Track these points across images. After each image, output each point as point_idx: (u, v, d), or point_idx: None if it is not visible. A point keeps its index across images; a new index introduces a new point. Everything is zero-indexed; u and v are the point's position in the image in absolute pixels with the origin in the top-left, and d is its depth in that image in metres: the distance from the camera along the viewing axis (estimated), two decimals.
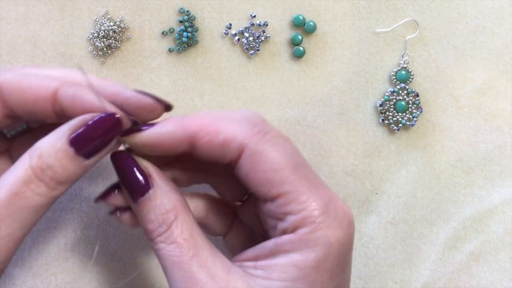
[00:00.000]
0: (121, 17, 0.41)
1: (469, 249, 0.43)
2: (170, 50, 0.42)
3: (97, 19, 0.41)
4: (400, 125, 0.42)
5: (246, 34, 0.42)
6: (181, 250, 0.29)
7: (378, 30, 0.42)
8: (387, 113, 0.42)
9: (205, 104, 0.42)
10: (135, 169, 0.30)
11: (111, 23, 0.41)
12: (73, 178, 0.29)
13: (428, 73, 0.42)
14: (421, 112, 0.42)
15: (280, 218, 0.29)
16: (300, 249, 0.28)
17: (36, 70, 0.32)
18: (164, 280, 0.42)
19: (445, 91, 0.42)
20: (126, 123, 0.30)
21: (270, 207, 0.29)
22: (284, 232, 0.29)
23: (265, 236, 0.31)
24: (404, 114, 0.42)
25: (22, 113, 0.31)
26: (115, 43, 0.41)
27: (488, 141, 0.42)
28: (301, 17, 0.42)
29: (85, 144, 0.29)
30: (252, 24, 0.42)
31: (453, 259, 0.42)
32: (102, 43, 0.41)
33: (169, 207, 0.29)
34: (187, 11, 0.41)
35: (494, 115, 0.42)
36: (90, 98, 0.30)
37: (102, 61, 0.42)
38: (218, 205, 0.36)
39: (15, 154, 0.35)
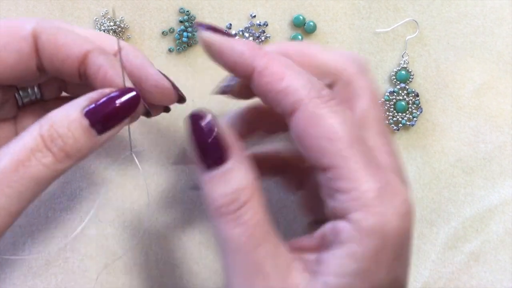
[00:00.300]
0: (121, 17, 0.41)
1: (469, 249, 0.43)
2: (170, 50, 0.42)
3: (97, 19, 0.41)
4: (400, 125, 0.42)
5: (246, 34, 0.42)
6: (250, 234, 0.26)
7: (378, 30, 0.42)
8: (387, 113, 0.42)
9: (205, 104, 0.42)
10: (217, 133, 0.27)
11: (111, 23, 0.41)
12: (82, 153, 0.28)
13: (428, 73, 0.42)
14: (421, 112, 0.42)
15: (329, 194, 0.26)
16: (355, 239, 0.25)
17: (71, 27, 0.31)
18: (163, 280, 0.42)
19: (445, 91, 0.42)
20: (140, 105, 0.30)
21: (321, 179, 0.26)
22: (335, 213, 0.26)
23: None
24: (404, 114, 0.42)
25: (49, 67, 0.30)
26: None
27: (488, 141, 0.42)
28: (301, 17, 0.42)
29: (100, 117, 0.28)
30: (252, 24, 0.42)
31: (453, 259, 0.42)
32: None
33: (245, 185, 0.26)
34: (187, 11, 0.41)
35: (494, 115, 0.42)
36: (114, 73, 0.29)
37: None
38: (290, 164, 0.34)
39: (21, 124, 0.34)
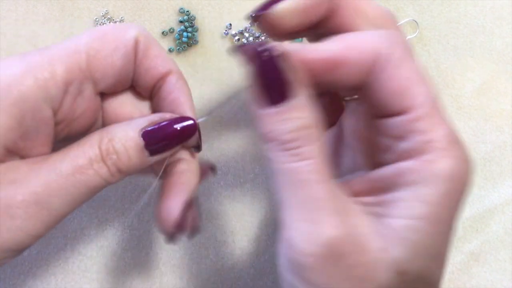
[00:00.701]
0: (121, 17, 0.41)
1: (469, 249, 0.43)
2: (170, 50, 0.42)
3: (97, 19, 0.41)
4: None
5: (246, 34, 0.42)
6: (317, 168, 0.24)
7: None
8: None
9: (205, 104, 0.42)
10: (286, 66, 0.25)
11: (111, 23, 0.41)
12: (132, 170, 0.29)
13: (428, 73, 0.42)
14: None
15: (402, 136, 0.25)
16: (426, 180, 0.24)
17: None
18: (164, 279, 0.42)
19: (445, 91, 0.42)
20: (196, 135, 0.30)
21: (394, 122, 0.26)
22: (403, 155, 0.25)
23: (369, 161, 0.28)
24: None
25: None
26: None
27: (488, 141, 0.42)
28: None
29: (155, 140, 0.29)
30: (252, 24, 0.42)
31: (453, 259, 0.42)
32: None
33: (311, 122, 0.25)
34: (187, 11, 0.41)
35: (494, 115, 0.42)
36: (183, 99, 0.31)
37: None
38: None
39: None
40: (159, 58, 0.30)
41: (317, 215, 0.24)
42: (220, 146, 0.42)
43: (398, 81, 0.25)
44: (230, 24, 0.42)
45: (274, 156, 0.25)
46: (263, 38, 0.42)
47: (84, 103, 0.30)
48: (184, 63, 0.42)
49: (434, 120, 0.25)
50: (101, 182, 0.28)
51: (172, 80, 0.31)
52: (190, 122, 0.30)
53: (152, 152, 0.29)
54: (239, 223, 0.42)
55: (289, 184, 0.25)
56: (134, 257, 0.42)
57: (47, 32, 0.41)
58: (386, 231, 0.24)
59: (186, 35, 0.41)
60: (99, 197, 0.42)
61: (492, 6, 0.42)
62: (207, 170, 0.33)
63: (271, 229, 0.42)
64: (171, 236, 0.30)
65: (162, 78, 0.31)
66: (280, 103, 0.25)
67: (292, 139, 0.25)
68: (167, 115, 0.30)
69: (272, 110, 0.25)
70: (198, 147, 0.32)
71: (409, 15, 0.42)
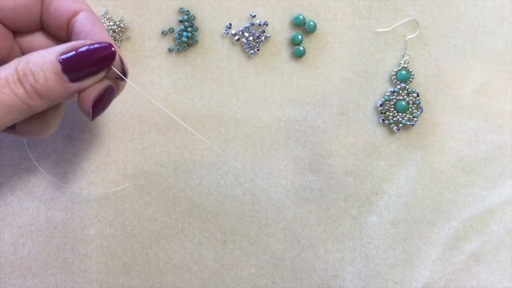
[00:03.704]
0: (121, 17, 0.41)
1: (469, 249, 0.42)
2: (170, 50, 0.42)
3: None
4: (401, 125, 0.42)
5: (246, 34, 0.42)
6: None
7: (379, 30, 0.42)
8: (388, 113, 0.42)
9: (205, 103, 0.42)
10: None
11: (111, 23, 0.41)
12: (52, 94, 0.30)
13: (428, 73, 0.42)
14: (421, 112, 0.42)
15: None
16: None
17: None
18: (162, 280, 0.42)
19: (445, 91, 0.42)
20: (117, 60, 0.32)
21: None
22: None
23: None
24: (405, 114, 0.42)
25: (45, 16, 0.33)
26: (115, 43, 0.41)
27: (489, 141, 0.42)
28: (301, 17, 0.42)
29: (74, 65, 0.30)
30: (252, 24, 0.42)
31: (453, 259, 0.42)
32: None
33: None
34: (187, 11, 0.41)
35: (495, 115, 0.42)
36: (98, 29, 0.32)
37: None
38: None
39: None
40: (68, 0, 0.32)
41: None
42: (220, 146, 0.42)
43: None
44: (230, 24, 0.42)
45: None
46: (263, 38, 0.42)
47: None
48: (184, 62, 0.42)
49: None
50: (19, 103, 0.29)
51: (83, 16, 0.32)
52: (110, 49, 0.31)
53: (72, 78, 0.30)
54: (239, 223, 0.42)
55: None
56: (134, 257, 0.42)
57: None
58: None
59: (186, 34, 0.41)
60: (99, 197, 0.42)
61: (492, 6, 0.42)
62: (119, 69, 0.34)
63: (271, 229, 0.42)
64: (89, 112, 0.32)
65: (73, 17, 0.32)
66: None
67: None
68: (88, 42, 0.31)
69: None
70: (122, 76, 0.33)
71: (409, 15, 0.42)
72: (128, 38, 0.41)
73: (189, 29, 0.41)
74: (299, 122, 0.42)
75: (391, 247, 0.42)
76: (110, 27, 0.41)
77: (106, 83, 0.32)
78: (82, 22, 0.32)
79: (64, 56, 0.30)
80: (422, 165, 0.42)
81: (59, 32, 0.33)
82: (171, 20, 0.42)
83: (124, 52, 0.42)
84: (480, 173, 0.42)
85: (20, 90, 0.29)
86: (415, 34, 0.42)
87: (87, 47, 0.30)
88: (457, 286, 0.42)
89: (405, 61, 0.42)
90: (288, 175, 0.42)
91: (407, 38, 0.42)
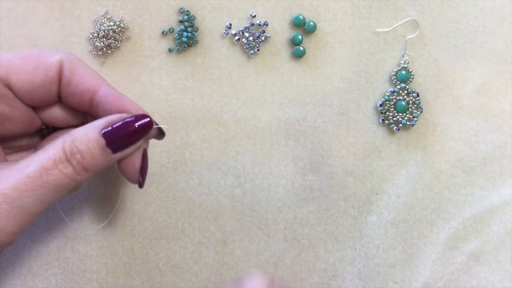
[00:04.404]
0: (121, 17, 0.41)
1: (469, 249, 0.42)
2: (170, 50, 0.42)
3: (97, 19, 0.41)
4: (400, 125, 0.42)
5: (246, 34, 0.42)
6: None
7: (379, 30, 0.42)
8: (387, 113, 0.42)
9: (205, 103, 0.42)
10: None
11: (111, 23, 0.41)
12: (98, 167, 0.32)
13: (428, 73, 0.42)
14: (421, 112, 0.42)
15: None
16: None
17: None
18: (163, 280, 0.42)
19: (445, 91, 0.42)
20: (155, 131, 0.34)
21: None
22: None
23: None
24: (404, 114, 0.42)
25: (66, 93, 0.34)
26: (115, 43, 0.41)
27: (489, 141, 0.42)
28: (301, 17, 0.42)
29: (116, 138, 0.32)
30: (252, 24, 0.42)
31: (453, 259, 0.42)
32: (102, 43, 0.41)
33: None
34: (187, 11, 0.41)
35: (495, 115, 0.42)
36: (126, 102, 0.34)
37: (102, 61, 0.42)
38: None
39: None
40: (86, 75, 0.34)
41: None
42: (220, 146, 0.42)
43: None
44: (230, 24, 0.42)
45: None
46: (263, 38, 0.42)
47: (6, 108, 0.33)
48: (184, 63, 0.42)
49: None
50: (67, 181, 0.31)
51: (105, 91, 0.34)
52: (147, 119, 0.33)
53: (114, 150, 0.32)
54: (239, 223, 0.42)
55: None
56: (134, 257, 0.42)
57: (47, 32, 0.41)
58: None
59: (186, 35, 0.41)
60: (99, 197, 0.42)
61: (492, 6, 0.42)
62: (156, 133, 0.36)
63: (271, 229, 0.42)
64: (139, 181, 0.35)
65: (94, 93, 0.34)
66: None
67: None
68: (124, 115, 0.33)
69: None
70: (160, 136, 0.36)
71: (409, 15, 0.42)
72: (128, 38, 0.41)
73: (189, 29, 0.41)
74: (299, 122, 0.42)
75: (391, 247, 0.42)
76: (110, 27, 0.41)
77: (142, 149, 0.34)
78: (107, 97, 0.34)
79: (106, 131, 0.32)
80: (422, 165, 0.42)
81: (79, 107, 0.35)
82: (171, 20, 0.42)
83: (124, 52, 0.42)
84: (480, 173, 0.42)
85: (68, 169, 0.31)
86: (415, 34, 0.42)
87: (127, 119, 0.32)
88: (457, 286, 0.42)
89: (405, 61, 0.42)
90: (288, 175, 0.42)
91: (407, 38, 0.42)
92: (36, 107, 0.35)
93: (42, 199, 0.30)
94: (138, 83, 0.42)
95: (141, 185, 0.35)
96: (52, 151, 0.31)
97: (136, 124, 0.33)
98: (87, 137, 0.31)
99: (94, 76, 0.34)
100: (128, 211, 0.42)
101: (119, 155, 0.33)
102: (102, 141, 0.31)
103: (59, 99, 0.35)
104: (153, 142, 0.42)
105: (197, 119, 0.42)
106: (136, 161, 0.34)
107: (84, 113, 0.36)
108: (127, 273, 0.42)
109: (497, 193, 0.42)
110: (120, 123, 0.32)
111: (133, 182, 0.35)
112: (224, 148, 0.42)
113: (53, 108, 0.36)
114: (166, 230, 0.42)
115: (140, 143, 0.33)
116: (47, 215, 0.41)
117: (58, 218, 0.42)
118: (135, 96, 0.41)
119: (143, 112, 0.34)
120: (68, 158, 0.31)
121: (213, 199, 0.42)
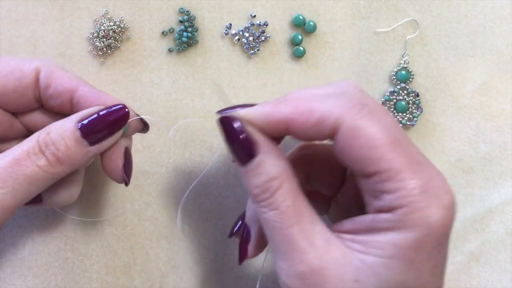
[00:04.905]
0: (121, 17, 0.41)
1: (469, 249, 0.42)
2: (170, 50, 0.42)
3: (97, 19, 0.41)
4: (401, 125, 0.42)
5: (246, 34, 0.42)
6: (282, 216, 0.29)
7: (378, 30, 0.42)
8: None
9: (205, 104, 0.42)
10: (243, 134, 0.30)
11: (111, 23, 0.41)
12: (73, 160, 0.32)
13: (428, 73, 0.42)
14: (421, 112, 0.42)
15: (376, 196, 0.28)
16: (399, 229, 0.27)
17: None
18: (163, 280, 0.42)
19: (445, 91, 0.42)
20: (133, 117, 0.34)
21: (367, 183, 0.28)
22: (380, 210, 0.28)
23: (363, 211, 0.30)
24: (405, 114, 0.42)
25: (46, 97, 0.34)
26: (115, 43, 0.41)
27: (489, 141, 0.42)
28: (301, 17, 0.42)
29: (92, 130, 0.32)
30: (252, 24, 0.42)
31: (453, 259, 0.42)
32: (102, 43, 0.41)
33: (274, 174, 0.29)
34: (187, 11, 0.41)
35: (495, 115, 0.42)
36: (105, 97, 0.34)
37: (102, 61, 0.42)
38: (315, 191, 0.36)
39: None
40: (64, 77, 0.34)
41: (291, 254, 0.28)
42: (220, 146, 0.42)
43: (359, 150, 0.27)
44: (230, 24, 0.42)
45: (254, 207, 0.30)
46: (263, 38, 0.42)
47: None
48: (184, 63, 0.42)
49: (403, 175, 0.27)
50: (42, 174, 0.31)
51: (84, 89, 0.34)
52: (123, 110, 0.33)
53: (91, 142, 0.32)
54: None
55: (268, 230, 0.29)
56: (134, 257, 0.42)
57: (47, 32, 0.41)
58: (361, 265, 0.27)
59: (186, 35, 0.41)
60: (99, 198, 0.42)
61: (492, 6, 0.42)
62: (139, 125, 0.36)
63: None
64: (124, 179, 0.35)
65: (74, 93, 0.34)
66: (248, 162, 0.29)
67: (260, 193, 0.29)
68: (101, 107, 0.33)
69: (243, 169, 0.30)
70: (144, 129, 0.36)
71: (409, 15, 0.42)
72: (128, 38, 0.41)
73: (189, 29, 0.41)
74: None
75: None
76: (110, 27, 0.41)
77: (123, 146, 0.34)
78: (85, 94, 0.34)
79: (82, 123, 0.32)
80: None
81: (61, 109, 0.35)
82: (171, 20, 0.42)
83: (124, 53, 0.42)
84: (480, 173, 0.42)
85: (41, 161, 0.31)
86: (415, 34, 0.42)
87: (103, 111, 0.32)
88: (457, 286, 0.42)
89: (405, 61, 0.42)
90: None
91: (407, 38, 0.42)
92: (16, 112, 0.35)
93: (15, 191, 0.30)
94: (138, 83, 0.42)
95: (126, 183, 0.35)
96: (26, 143, 0.31)
97: (112, 116, 0.32)
98: (62, 128, 0.31)
99: (72, 78, 0.34)
100: (128, 211, 0.42)
101: (96, 147, 0.32)
102: (78, 133, 0.31)
103: (41, 105, 0.35)
104: (153, 142, 0.42)
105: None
106: (118, 159, 0.34)
107: (66, 116, 0.36)
108: (127, 273, 0.42)
109: (497, 193, 0.42)
110: (95, 115, 0.32)
111: (118, 181, 0.35)
112: (225, 148, 0.42)
113: (33, 113, 0.36)
114: (167, 230, 0.42)
115: (118, 134, 0.33)
116: (47, 215, 0.41)
117: (58, 217, 0.42)
118: (135, 96, 0.41)
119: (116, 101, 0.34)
120: (42, 149, 0.31)
121: (213, 199, 0.42)
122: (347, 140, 0.28)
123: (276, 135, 0.30)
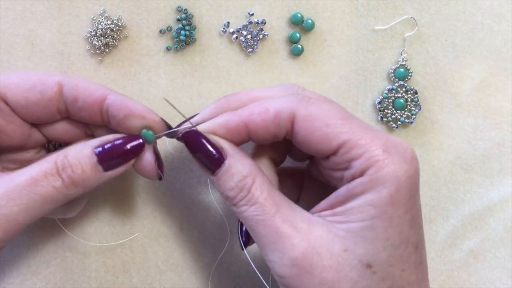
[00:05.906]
0: (119, 16, 0.41)
1: (468, 246, 0.42)
2: (168, 49, 0.42)
3: (95, 18, 0.41)
4: (399, 122, 0.42)
5: (244, 32, 0.42)
6: (263, 208, 0.31)
7: (377, 28, 0.42)
8: (386, 110, 0.42)
9: (203, 102, 0.42)
10: (207, 144, 0.32)
11: (109, 22, 0.41)
12: (87, 183, 0.33)
13: (426, 70, 0.42)
14: (419, 109, 0.42)
15: (345, 167, 0.30)
16: (372, 188, 0.29)
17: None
18: (162, 278, 0.42)
19: (443, 89, 0.42)
20: (163, 128, 0.35)
21: (334, 160, 0.31)
22: (353, 178, 0.30)
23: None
24: (403, 111, 0.42)
25: (73, 109, 0.35)
26: (113, 42, 0.41)
27: (487, 138, 0.42)
28: (299, 15, 0.42)
29: (107, 157, 0.33)
30: (250, 22, 0.42)
31: (452, 256, 0.42)
32: (99, 41, 0.41)
33: (246, 172, 0.31)
34: (185, 9, 0.41)
35: (493, 112, 0.42)
36: (135, 107, 0.34)
37: (99, 59, 0.42)
38: (286, 173, 0.38)
39: None
40: (91, 88, 0.34)
41: (279, 244, 0.30)
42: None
43: (318, 131, 0.30)
44: (228, 22, 0.42)
45: (234, 211, 0.32)
46: (261, 36, 0.42)
47: (2, 121, 0.34)
48: (182, 61, 0.42)
49: (364, 140, 0.30)
50: (56, 194, 0.32)
51: (112, 97, 0.34)
52: (139, 141, 0.34)
53: (106, 168, 0.33)
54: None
55: (252, 227, 0.31)
56: (133, 256, 0.42)
57: (45, 31, 0.41)
58: (346, 234, 0.29)
59: (184, 33, 0.41)
60: (99, 198, 0.42)
61: (490, 4, 0.42)
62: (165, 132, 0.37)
63: None
64: (159, 175, 0.35)
65: (102, 102, 0.34)
66: (218, 168, 0.32)
67: (236, 193, 0.31)
68: (118, 135, 0.34)
69: (215, 177, 0.32)
70: (170, 135, 0.36)
71: (407, 13, 0.42)
72: (126, 37, 0.41)
73: (187, 27, 0.41)
74: None
75: None
76: (108, 26, 0.41)
77: (150, 146, 0.35)
78: (114, 102, 0.34)
79: (99, 149, 0.33)
80: (420, 162, 0.42)
81: (91, 119, 0.35)
82: (169, 19, 0.42)
83: (122, 51, 0.42)
84: (479, 170, 0.42)
85: (57, 182, 0.32)
86: (413, 32, 0.42)
87: (119, 141, 0.33)
88: (456, 283, 0.42)
89: (403, 58, 0.42)
90: None
91: (405, 35, 0.42)
92: (38, 123, 0.36)
93: (28, 209, 0.31)
94: (136, 81, 0.42)
95: (161, 178, 0.36)
96: (44, 163, 0.32)
97: (128, 146, 0.34)
98: (80, 153, 0.32)
99: (98, 88, 0.35)
100: (127, 210, 0.42)
101: (110, 173, 0.33)
102: (95, 158, 0.33)
103: (64, 116, 0.36)
104: None
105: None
106: (150, 158, 0.35)
107: (96, 125, 0.36)
108: (126, 272, 0.42)
109: (495, 190, 0.42)
110: (112, 143, 0.33)
111: (152, 178, 0.36)
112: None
113: (55, 124, 0.36)
114: (165, 228, 0.42)
115: (131, 162, 0.34)
116: None
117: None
118: (133, 94, 0.41)
119: (148, 112, 0.34)
120: (59, 171, 0.32)
121: (212, 197, 0.42)
122: (305, 126, 0.30)
123: (236, 142, 0.33)
